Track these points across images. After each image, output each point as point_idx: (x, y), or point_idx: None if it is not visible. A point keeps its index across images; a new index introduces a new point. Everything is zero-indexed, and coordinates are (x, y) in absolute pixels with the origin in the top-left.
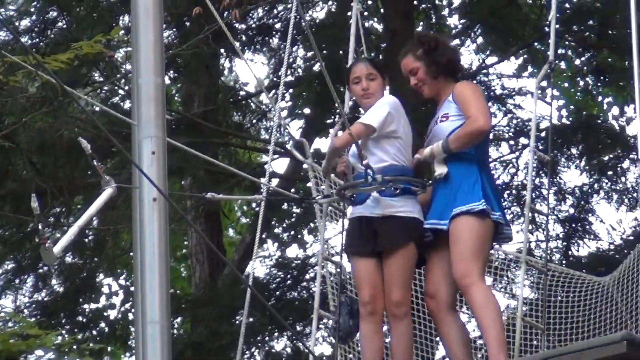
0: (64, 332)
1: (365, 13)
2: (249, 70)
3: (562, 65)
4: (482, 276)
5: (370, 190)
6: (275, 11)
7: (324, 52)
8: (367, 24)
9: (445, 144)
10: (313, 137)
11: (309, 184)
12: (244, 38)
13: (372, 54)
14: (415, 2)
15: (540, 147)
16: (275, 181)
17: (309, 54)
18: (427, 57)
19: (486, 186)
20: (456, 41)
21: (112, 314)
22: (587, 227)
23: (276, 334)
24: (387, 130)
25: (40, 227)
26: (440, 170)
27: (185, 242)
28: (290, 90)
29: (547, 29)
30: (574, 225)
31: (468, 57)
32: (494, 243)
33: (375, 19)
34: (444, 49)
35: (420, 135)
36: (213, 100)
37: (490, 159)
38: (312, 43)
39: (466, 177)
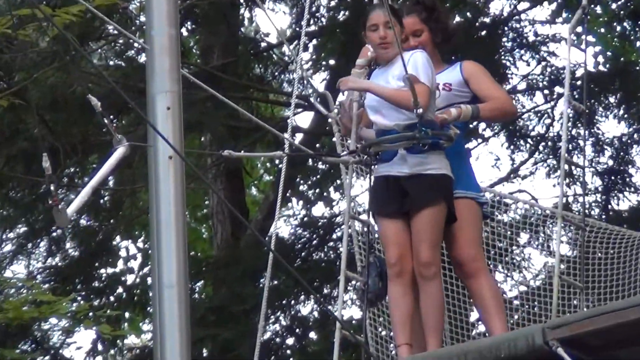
0: (79, 298)
1: None
2: (269, 20)
3: (598, 9)
4: None
5: (397, 147)
6: None
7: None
8: None
9: (476, 110)
10: (337, 90)
11: (334, 139)
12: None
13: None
14: None
15: (576, 96)
16: (299, 136)
17: (333, 2)
18: (434, 24)
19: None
20: None
21: (130, 278)
22: (627, 179)
23: (302, 297)
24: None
25: (52, 188)
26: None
27: (207, 202)
28: (314, 41)
29: None
30: (613, 177)
31: (498, 2)
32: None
33: None
34: (448, 18)
35: None
36: (233, 52)
37: (524, 109)
38: None
39: (462, 159)
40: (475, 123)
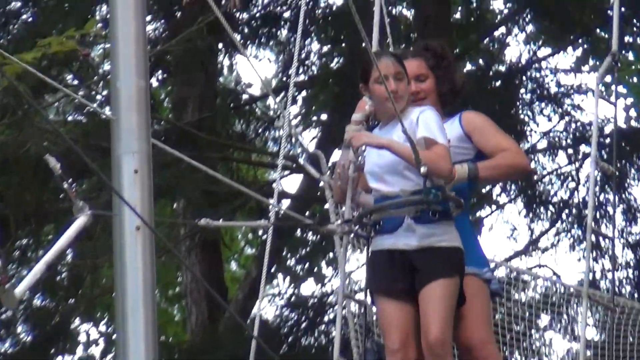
0: None
1: None
2: (252, 68)
3: (630, 56)
4: None
5: (403, 212)
6: None
7: (342, 44)
8: (394, 11)
9: (474, 169)
10: (330, 149)
11: (327, 206)
12: (246, 30)
13: (401, 47)
14: None
15: (605, 157)
16: (286, 202)
17: (325, 48)
18: (442, 72)
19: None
20: (502, 30)
21: None
22: None
23: None
24: None
25: (0, 263)
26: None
27: (180, 279)
28: (303, 93)
29: (610, 13)
30: None
31: (516, 48)
32: None
33: (405, 4)
34: (457, 72)
35: None
36: (210, 106)
37: (545, 171)
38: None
39: (464, 228)
40: (488, 187)
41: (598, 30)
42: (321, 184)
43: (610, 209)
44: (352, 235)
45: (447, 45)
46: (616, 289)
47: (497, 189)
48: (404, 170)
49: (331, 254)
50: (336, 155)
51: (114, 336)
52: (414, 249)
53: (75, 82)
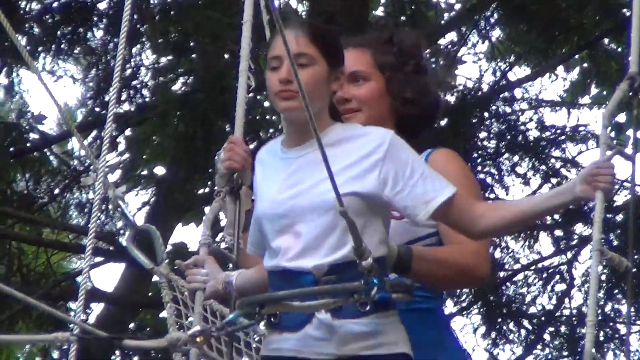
0: None
1: None
2: (45, 91)
3: None
4: None
5: (318, 308)
6: None
7: (192, 56)
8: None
9: (406, 254)
10: (172, 223)
11: (163, 313)
12: (36, 29)
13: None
14: None
15: (614, 242)
16: (98, 309)
17: (164, 59)
18: (405, 79)
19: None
20: (450, 36)
21: None
22: None
23: None
24: None
25: None
26: None
27: None
28: (129, 132)
29: (627, 13)
30: None
31: (474, 66)
32: None
33: None
34: (435, 81)
35: None
36: None
37: (518, 265)
38: None
39: (427, 318)
40: None
41: (606, 41)
42: (155, 277)
43: (622, 328)
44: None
45: (425, 40)
46: None
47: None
48: (331, 230)
49: None
50: (179, 232)
51: None
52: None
53: None
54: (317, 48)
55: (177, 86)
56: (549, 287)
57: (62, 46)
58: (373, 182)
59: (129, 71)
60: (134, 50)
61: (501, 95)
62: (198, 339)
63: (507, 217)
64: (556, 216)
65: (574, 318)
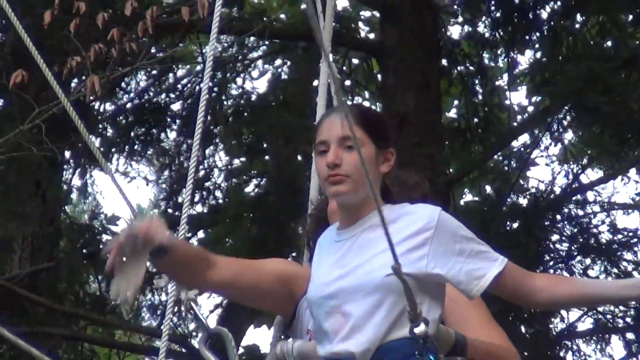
0: None
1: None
2: (118, 192)
3: None
4: None
5: None
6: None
7: (265, 157)
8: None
9: (462, 344)
10: (244, 325)
11: None
12: (110, 130)
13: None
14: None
15: None
16: None
17: (237, 161)
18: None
19: None
20: (523, 139)
21: None
22: None
23: None
24: None
25: None
26: None
27: None
28: (201, 234)
29: None
30: None
31: (546, 169)
32: None
33: (367, 94)
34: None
35: None
36: (48, 252)
37: None
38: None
39: None
40: None
41: None
42: None
43: None
44: None
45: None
46: None
47: None
48: (376, 309)
49: None
50: (252, 335)
51: None
52: None
53: None
54: (363, 130)
55: (249, 188)
56: None
57: (136, 147)
58: (421, 261)
59: (202, 172)
60: (207, 151)
61: (573, 198)
62: None
63: (566, 296)
64: (628, 319)
65: None
